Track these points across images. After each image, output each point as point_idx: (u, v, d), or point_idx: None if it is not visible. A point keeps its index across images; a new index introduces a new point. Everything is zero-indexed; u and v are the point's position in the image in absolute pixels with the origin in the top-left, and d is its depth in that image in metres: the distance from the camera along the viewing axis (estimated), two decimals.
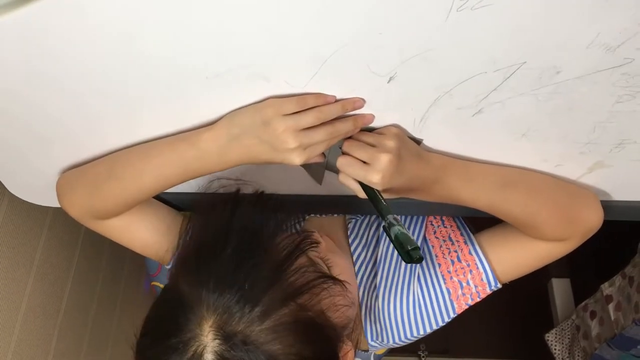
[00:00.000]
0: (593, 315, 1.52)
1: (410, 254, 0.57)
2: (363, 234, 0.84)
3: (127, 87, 0.61)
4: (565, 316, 1.75)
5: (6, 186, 0.82)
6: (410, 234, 0.60)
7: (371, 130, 0.66)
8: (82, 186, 0.72)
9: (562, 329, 1.70)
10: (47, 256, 1.04)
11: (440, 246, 0.78)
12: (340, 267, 0.68)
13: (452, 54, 0.55)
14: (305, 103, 0.60)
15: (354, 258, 0.81)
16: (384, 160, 0.60)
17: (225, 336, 0.53)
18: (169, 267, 0.79)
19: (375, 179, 0.61)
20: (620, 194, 0.74)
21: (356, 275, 0.80)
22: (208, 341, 0.54)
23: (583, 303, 1.59)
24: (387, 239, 0.80)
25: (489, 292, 0.75)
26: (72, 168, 0.75)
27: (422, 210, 0.80)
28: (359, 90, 0.61)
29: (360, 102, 0.62)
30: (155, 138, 0.69)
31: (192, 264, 0.59)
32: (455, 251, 0.76)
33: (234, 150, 0.63)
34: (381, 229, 0.82)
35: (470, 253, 0.75)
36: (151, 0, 0.51)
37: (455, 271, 0.75)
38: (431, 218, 0.82)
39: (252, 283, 0.55)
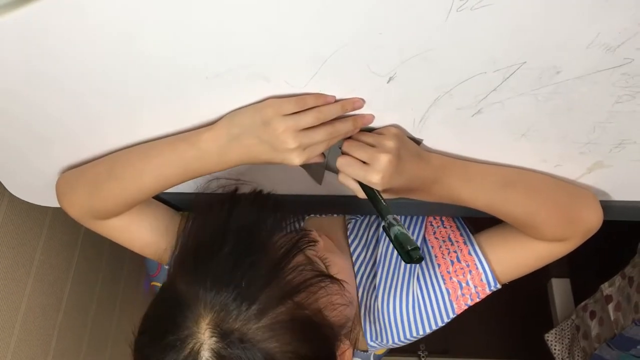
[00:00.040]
0: (593, 315, 1.52)
1: (410, 254, 0.57)
2: (362, 234, 0.84)
3: (127, 87, 0.61)
4: (565, 316, 1.75)
5: (6, 186, 0.82)
6: (410, 234, 0.60)
7: (371, 130, 0.66)
8: (82, 186, 0.72)
9: (562, 329, 1.70)
10: (47, 256, 1.04)
11: (440, 246, 0.78)
12: (338, 266, 0.68)
13: (452, 54, 0.55)
14: (305, 103, 0.60)
15: (354, 258, 0.81)
16: (383, 160, 0.60)
17: (222, 334, 0.54)
18: (168, 267, 0.79)
19: (375, 179, 0.61)
20: (620, 194, 0.74)
21: (355, 275, 0.80)
22: (205, 339, 0.54)
23: (583, 303, 1.60)
24: (387, 239, 0.80)
25: (488, 292, 0.75)
26: (72, 168, 0.75)
27: (421, 210, 0.80)
28: (359, 90, 0.61)
29: (360, 102, 0.62)
30: (155, 138, 0.69)
31: (189, 263, 0.59)
32: (455, 251, 0.76)
33: (234, 150, 0.63)
34: (381, 229, 0.82)
35: (469, 253, 0.75)
36: (151, 0, 0.51)
37: (455, 271, 0.75)
38: (430, 218, 0.82)
39: (249, 281, 0.55)
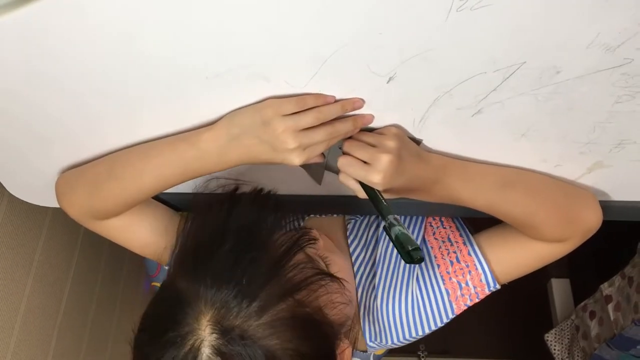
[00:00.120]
0: (592, 315, 1.52)
1: (411, 255, 0.57)
2: (362, 234, 0.84)
3: (127, 87, 0.61)
4: (564, 316, 1.75)
5: (5, 186, 0.82)
6: (410, 234, 0.60)
7: (371, 130, 0.66)
8: (82, 186, 0.72)
9: (562, 329, 1.70)
10: (47, 257, 1.04)
11: (440, 247, 0.78)
12: (338, 265, 0.68)
13: (451, 54, 0.55)
14: (304, 103, 0.60)
15: (353, 258, 0.81)
16: (384, 160, 0.60)
17: (223, 330, 0.54)
18: (167, 267, 0.79)
19: (376, 179, 0.61)
20: (620, 194, 0.74)
21: (355, 275, 0.80)
22: (205, 335, 0.54)
23: (582, 303, 1.60)
24: (387, 239, 0.80)
25: (487, 292, 0.75)
26: (72, 168, 0.75)
27: (421, 210, 0.80)
28: (359, 90, 0.61)
29: (360, 103, 0.62)
30: (155, 138, 0.69)
31: (189, 261, 0.59)
32: (454, 252, 0.76)
33: (234, 151, 0.63)
34: (381, 229, 0.82)
35: (469, 254, 0.75)
36: (151, 0, 0.51)
37: (454, 272, 0.75)
38: (430, 219, 0.82)
39: (250, 278, 0.55)
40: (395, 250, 0.79)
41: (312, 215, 0.87)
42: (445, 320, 0.76)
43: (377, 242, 0.81)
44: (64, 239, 1.11)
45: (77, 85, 0.61)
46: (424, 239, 0.80)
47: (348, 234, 0.84)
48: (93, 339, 1.23)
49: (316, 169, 0.70)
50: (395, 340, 0.78)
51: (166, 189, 0.69)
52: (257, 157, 0.63)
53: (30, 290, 0.99)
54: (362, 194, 0.64)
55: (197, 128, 0.66)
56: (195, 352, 0.54)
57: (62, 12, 0.52)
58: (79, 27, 0.53)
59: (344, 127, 0.63)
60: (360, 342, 0.80)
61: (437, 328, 0.76)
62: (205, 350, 0.54)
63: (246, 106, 0.62)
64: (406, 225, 0.82)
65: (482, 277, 0.74)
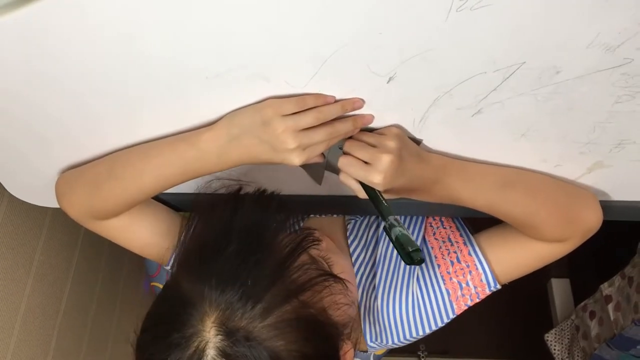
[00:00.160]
0: (592, 315, 1.52)
1: (412, 256, 0.57)
2: (362, 234, 0.84)
3: (127, 87, 0.61)
4: (564, 316, 1.75)
5: (5, 187, 0.82)
6: (411, 235, 0.60)
7: (371, 130, 0.66)
8: (82, 186, 0.72)
9: (562, 329, 1.70)
10: (47, 257, 1.04)
11: (440, 247, 0.78)
12: (340, 266, 0.68)
13: (451, 54, 0.55)
14: (304, 103, 0.60)
15: (353, 259, 0.81)
16: (385, 160, 0.60)
17: (228, 332, 0.54)
18: (168, 267, 0.79)
19: (376, 179, 0.61)
20: (620, 194, 0.74)
21: (355, 275, 0.80)
22: (210, 337, 0.54)
23: (582, 303, 1.60)
24: (387, 239, 0.80)
25: (488, 292, 0.75)
26: (72, 168, 0.75)
27: (421, 210, 0.80)
28: (359, 90, 0.61)
29: (360, 103, 0.62)
30: (155, 138, 0.69)
31: (194, 262, 0.59)
32: (455, 252, 0.76)
33: (234, 151, 0.63)
34: (381, 229, 0.82)
35: (469, 254, 0.75)
36: (151, 1, 0.51)
37: (455, 272, 0.75)
38: (430, 219, 0.82)
39: (255, 280, 0.55)
40: (395, 251, 0.79)
41: (312, 216, 0.87)
42: (445, 320, 0.76)
43: (377, 243, 0.81)
44: (64, 239, 1.11)
45: (77, 85, 0.61)
46: (424, 239, 0.80)
47: (348, 234, 0.84)
48: (93, 338, 1.23)
49: (316, 169, 0.70)
50: (395, 341, 0.78)
51: (166, 189, 0.69)
52: (257, 157, 0.63)
53: (31, 290, 0.99)
54: (362, 194, 0.64)
55: (197, 128, 0.66)
56: (200, 353, 0.54)
57: (62, 12, 0.52)
58: (79, 27, 0.53)
59: (344, 127, 0.63)
60: (360, 343, 0.80)
61: (437, 328, 0.76)
62: (210, 352, 0.53)
63: (246, 106, 0.62)
64: (406, 225, 0.82)
65: (483, 277, 0.74)
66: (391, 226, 0.60)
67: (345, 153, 0.64)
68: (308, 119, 0.60)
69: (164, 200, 0.80)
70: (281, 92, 0.61)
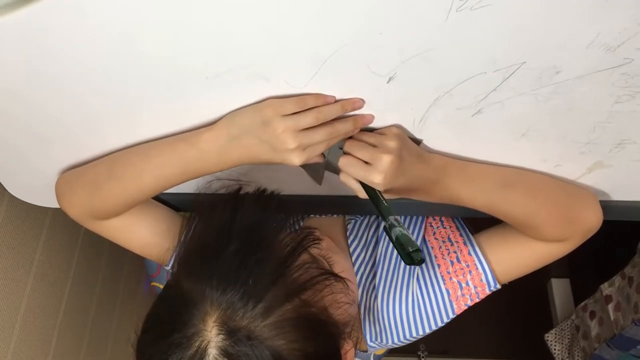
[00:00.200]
0: (593, 315, 1.52)
1: (412, 256, 0.57)
2: (362, 234, 0.84)
3: (127, 87, 0.61)
4: (564, 316, 1.75)
5: (5, 187, 0.82)
6: (411, 235, 0.60)
7: (372, 130, 0.66)
8: (82, 186, 0.72)
9: (562, 329, 1.70)
10: (47, 257, 1.04)
11: (440, 247, 0.78)
12: (341, 265, 0.68)
13: (451, 54, 0.55)
14: (304, 103, 0.60)
15: (353, 258, 0.81)
16: (385, 160, 0.60)
17: (229, 331, 0.54)
18: (168, 267, 0.79)
19: (376, 179, 0.61)
20: (620, 194, 0.74)
21: (355, 275, 0.80)
22: (212, 336, 0.54)
23: (583, 303, 1.60)
24: (387, 239, 0.80)
25: (488, 292, 0.75)
26: (72, 168, 0.75)
27: (421, 210, 0.80)
28: (359, 90, 0.61)
29: (360, 103, 0.62)
30: (155, 138, 0.69)
31: (195, 262, 0.59)
32: (455, 252, 0.76)
33: (234, 151, 0.63)
34: (380, 229, 0.82)
35: (469, 254, 0.75)
36: (151, 0, 0.51)
37: (455, 272, 0.75)
38: (430, 219, 0.82)
39: (256, 279, 0.55)
40: (395, 251, 0.79)
41: (312, 216, 0.87)
42: (445, 320, 0.76)
43: (377, 243, 0.81)
44: (65, 239, 1.11)
45: (77, 85, 0.61)
46: (424, 239, 0.80)
47: (348, 234, 0.84)
48: (93, 338, 1.23)
49: (316, 169, 0.70)
50: (395, 340, 0.78)
51: (166, 189, 0.69)
52: (257, 157, 0.63)
53: (31, 290, 0.99)
54: (362, 194, 0.64)
55: (197, 128, 0.66)
56: (202, 353, 0.54)
57: (62, 12, 0.52)
58: (79, 27, 0.53)
59: (344, 127, 0.63)
60: (361, 342, 0.80)
61: (437, 328, 0.76)
62: (212, 351, 0.53)
63: (246, 106, 0.62)
64: (406, 225, 0.82)
65: (483, 276, 0.74)
66: (391, 226, 0.60)
67: (345, 153, 0.64)
68: (308, 119, 0.60)
69: (164, 200, 0.80)
70: (281, 92, 0.61)
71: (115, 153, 0.71)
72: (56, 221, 1.06)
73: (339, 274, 0.62)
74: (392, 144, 0.61)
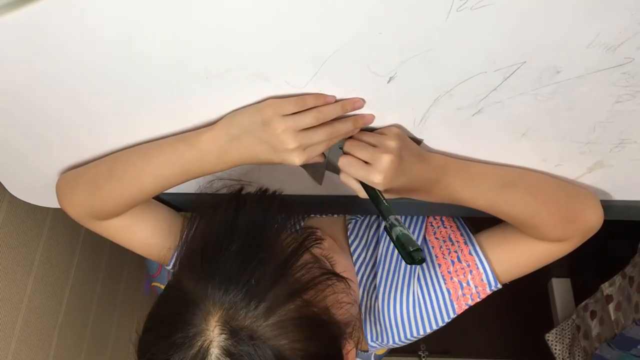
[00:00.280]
0: (593, 315, 1.52)
1: (412, 255, 0.57)
2: (363, 234, 0.84)
3: (127, 87, 0.61)
4: (565, 316, 1.75)
5: (6, 187, 0.82)
6: (412, 235, 0.60)
7: (372, 130, 0.66)
8: (82, 186, 0.72)
9: (563, 328, 1.70)
10: (47, 257, 1.04)
11: (440, 247, 0.78)
12: (342, 265, 0.69)
13: (452, 54, 0.55)
14: (304, 103, 0.60)
15: (354, 258, 0.81)
16: (385, 160, 0.60)
17: (232, 331, 0.54)
18: (169, 267, 0.79)
19: (376, 179, 0.61)
20: (620, 193, 0.74)
21: (356, 275, 0.80)
22: (214, 336, 0.54)
23: (583, 303, 1.60)
24: (387, 239, 0.80)
25: (489, 292, 0.75)
26: (72, 168, 0.75)
27: (422, 210, 0.80)
28: (359, 90, 0.61)
29: (360, 102, 0.62)
30: (156, 138, 0.69)
31: (197, 262, 0.59)
32: (456, 251, 0.76)
33: (234, 151, 0.63)
34: (381, 229, 0.82)
35: (470, 253, 0.75)
36: (151, 1, 0.51)
37: (456, 271, 0.75)
38: (431, 219, 0.82)
39: (258, 279, 0.55)
40: (396, 250, 0.79)
41: (312, 216, 0.87)
42: (446, 320, 0.76)
43: (377, 242, 0.81)
44: (65, 239, 1.11)
45: (77, 85, 0.61)
46: (424, 239, 0.80)
47: (349, 234, 0.84)
48: (94, 338, 1.23)
49: (316, 169, 0.70)
50: (396, 340, 0.78)
51: (167, 189, 0.69)
52: (257, 157, 0.63)
53: (31, 290, 0.99)
54: (363, 194, 0.64)
55: (198, 128, 0.66)
56: (204, 352, 0.54)
57: (62, 12, 0.52)
58: (79, 27, 0.53)
59: (344, 127, 0.63)
60: (361, 342, 0.80)
61: (438, 328, 0.76)
62: (214, 351, 0.53)
63: (246, 106, 0.62)
64: (407, 224, 0.82)
65: (483, 276, 0.74)
66: (392, 226, 0.60)
67: (345, 153, 0.64)
68: (308, 119, 0.60)
69: (165, 200, 0.80)
70: (281, 92, 0.61)
71: (115, 153, 0.71)
72: (57, 221, 1.06)
73: (340, 274, 0.62)
74: (392, 143, 0.61)
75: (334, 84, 0.60)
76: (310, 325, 0.57)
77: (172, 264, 0.78)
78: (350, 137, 0.65)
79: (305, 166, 0.70)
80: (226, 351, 0.53)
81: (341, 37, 0.54)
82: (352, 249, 0.82)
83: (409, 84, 0.59)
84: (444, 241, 0.78)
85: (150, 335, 0.59)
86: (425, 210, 0.80)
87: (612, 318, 1.39)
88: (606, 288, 1.45)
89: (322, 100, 0.61)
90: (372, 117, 0.64)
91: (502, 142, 0.67)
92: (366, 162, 0.62)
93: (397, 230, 0.59)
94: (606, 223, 0.72)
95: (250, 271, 0.56)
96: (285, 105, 0.59)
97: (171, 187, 0.69)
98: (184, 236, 0.72)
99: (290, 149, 0.60)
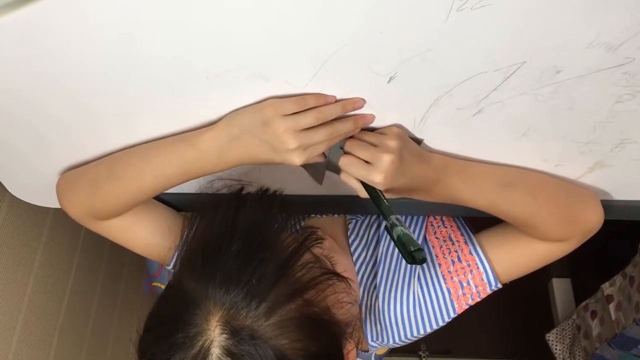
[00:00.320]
0: (594, 315, 1.52)
1: (413, 255, 0.57)
2: (363, 234, 0.84)
3: (127, 87, 0.61)
4: (566, 316, 1.75)
5: (6, 187, 0.82)
6: (412, 234, 0.60)
7: (372, 130, 0.66)
8: (83, 186, 0.72)
9: (563, 328, 1.70)
10: (48, 257, 1.04)
11: (441, 246, 0.78)
12: (343, 265, 0.68)
13: (452, 53, 0.55)
14: (305, 103, 0.60)
15: (354, 258, 0.81)
16: (386, 160, 0.60)
17: (233, 331, 0.53)
18: (170, 267, 0.79)
19: (377, 178, 0.61)
20: (621, 193, 0.74)
21: (356, 275, 0.80)
22: (215, 336, 0.54)
23: (584, 303, 1.59)
24: (388, 239, 0.80)
25: (489, 292, 0.75)
26: (72, 168, 0.75)
27: (422, 210, 0.80)
28: (359, 90, 0.61)
29: (361, 102, 0.62)
30: (156, 138, 0.69)
31: (197, 262, 0.59)
32: (456, 251, 0.76)
33: (234, 151, 0.63)
34: (382, 229, 0.82)
35: (470, 253, 0.75)
36: (151, 1, 0.50)
37: (456, 271, 0.75)
38: (431, 218, 0.82)
39: (259, 279, 0.55)
40: (396, 250, 0.79)
41: (313, 215, 0.87)
42: (446, 320, 0.76)
43: (378, 242, 0.81)
44: (66, 239, 1.11)
45: (77, 85, 0.61)
46: (425, 238, 0.80)
47: (349, 234, 0.84)
48: (94, 338, 1.23)
49: (317, 169, 0.70)
50: (396, 340, 0.78)
51: (167, 189, 0.69)
52: (257, 157, 0.63)
53: (32, 290, 0.99)
54: (363, 194, 0.64)
55: (198, 128, 0.66)
56: (205, 352, 0.54)
57: (62, 12, 0.52)
58: (79, 27, 0.53)
59: (344, 127, 0.63)
60: (362, 342, 0.80)
61: (438, 327, 0.76)
62: (215, 351, 0.53)
63: (246, 106, 0.62)
64: (407, 224, 0.82)
65: (484, 276, 0.74)
66: (393, 225, 0.60)
67: (346, 152, 0.64)
68: (308, 119, 0.60)
69: (165, 200, 0.80)
70: (281, 92, 0.61)
71: (115, 153, 0.71)
72: (57, 221, 1.06)
73: (341, 274, 0.62)
74: (392, 143, 0.61)
75: (334, 84, 0.60)
76: (311, 325, 0.57)
77: (172, 264, 0.78)
78: (351, 137, 0.65)
79: (305, 166, 0.70)
80: (227, 351, 0.53)
81: (341, 37, 0.54)
82: (352, 248, 0.82)
83: (409, 84, 0.59)
84: (444, 241, 0.78)
85: (151, 335, 0.59)
86: (425, 210, 0.80)
87: (613, 318, 1.39)
88: (607, 288, 1.45)
89: (323, 100, 0.61)
90: (373, 117, 0.64)
91: (503, 142, 0.67)
92: (367, 162, 0.62)
93: (398, 229, 0.59)
94: (606, 223, 0.72)
95: (251, 271, 0.56)
96: (286, 105, 0.59)
97: (171, 187, 0.69)
98: (184, 236, 0.72)
99: (290, 149, 0.60)
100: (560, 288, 1.89)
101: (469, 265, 0.74)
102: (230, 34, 0.54)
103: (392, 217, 0.61)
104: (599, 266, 1.67)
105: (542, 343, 1.74)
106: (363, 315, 0.79)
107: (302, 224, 0.85)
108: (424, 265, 0.76)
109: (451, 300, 0.75)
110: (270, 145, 0.61)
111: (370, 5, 0.50)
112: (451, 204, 0.70)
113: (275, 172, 0.71)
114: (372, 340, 0.79)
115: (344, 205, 0.80)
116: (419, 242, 0.79)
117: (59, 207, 0.77)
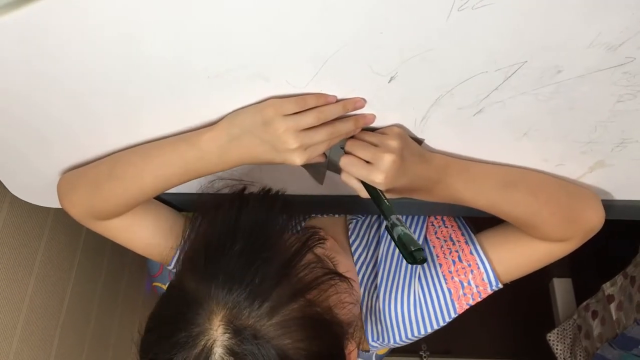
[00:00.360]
0: (595, 315, 1.52)
1: (414, 255, 0.57)
2: (364, 234, 0.84)
3: (127, 87, 0.61)
4: (566, 316, 1.75)
5: (7, 187, 0.82)
6: (413, 234, 0.60)
7: (373, 130, 0.66)
8: (83, 186, 0.72)
9: (564, 328, 1.70)
10: (49, 257, 1.04)
11: (441, 246, 0.78)
12: (344, 265, 0.68)
13: (453, 53, 0.55)
14: (305, 103, 0.60)
15: (355, 258, 0.81)
16: (387, 160, 0.60)
17: (235, 330, 0.54)
18: (171, 267, 0.79)
19: (378, 178, 0.61)
20: (622, 193, 0.74)
21: (357, 275, 0.80)
22: (218, 335, 0.54)
23: (585, 303, 1.59)
24: (388, 239, 0.80)
25: (490, 292, 0.75)
26: (73, 168, 0.75)
27: (423, 210, 0.79)
28: (360, 90, 0.61)
29: (361, 102, 0.62)
30: (156, 138, 0.69)
31: (200, 261, 0.59)
32: (457, 251, 0.76)
33: (235, 151, 0.63)
34: (382, 229, 0.82)
35: (471, 253, 0.75)
36: (151, 1, 0.50)
37: (457, 271, 0.75)
38: (432, 218, 0.82)
39: (262, 278, 0.55)
40: (397, 250, 0.79)
41: (313, 216, 0.87)
42: (447, 320, 0.76)
43: (378, 242, 0.81)
44: (66, 239, 1.11)
45: (77, 85, 0.61)
46: (425, 238, 0.80)
47: (350, 234, 0.84)
48: (95, 338, 1.23)
49: (318, 169, 0.70)
50: (397, 340, 0.78)
51: (167, 189, 0.69)
52: (258, 157, 0.63)
53: (33, 290, 0.99)
54: (364, 194, 0.64)
55: (198, 128, 0.66)
56: (207, 352, 0.54)
57: (62, 12, 0.52)
58: (79, 27, 0.53)
59: (345, 127, 0.63)
60: (363, 342, 0.80)
61: (439, 327, 0.76)
62: (218, 350, 0.53)
63: (247, 106, 0.62)
64: (408, 224, 0.82)
65: (484, 276, 0.74)
66: (393, 225, 0.60)
67: (346, 152, 0.64)
68: (309, 119, 0.60)
69: (166, 200, 0.80)
70: (282, 92, 0.61)
71: (116, 153, 0.71)
72: (58, 221, 1.06)
73: (343, 274, 0.62)
74: (393, 143, 0.61)
75: (334, 84, 0.60)
76: (313, 325, 0.57)
77: (173, 264, 0.78)
78: (352, 137, 0.65)
79: (306, 166, 0.69)
80: (230, 350, 0.53)
81: (342, 37, 0.54)
82: (353, 249, 0.82)
83: (409, 84, 0.59)
84: (445, 241, 0.78)
85: (153, 335, 0.59)
86: (426, 210, 0.79)
87: (614, 318, 1.39)
88: (607, 288, 1.44)
89: (323, 100, 0.61)
90: (373, 116, 0.64)
91: (503, 142, 0.67)
92: (367, 162, 0.62)
93: (399, 229, 0.59)
94: (607, 223, 0.71)
95: (254, 271, 0.56)
96: (286, 105, 0.59)
97: (172, 187, 0.69)
98: (185, 236, 0.72)
99: (291, 149, 0.60)
100: (561, 288, 1.89)
101: (469, 265, 0.74)
102: (231, 34, 0.54)
103: (393, 217, 0.61)
104: (600, 266, 1.67)
105: (543, 343, 1.73)
106: (364, 316, 0.79)
107: (304, 224, 0.85)
108: (425, 265, 0.76)
109: (452, 300, 0.75)
110: (271, 145, 0.61)
111: (371, 5, 0.50)
112: (452, 204, 0.70)
113: (276, 172, 0.71)
114: (373, 341, 0.79)
115: (345, 205, 0.80)
116: (420, 242, 0.79)
117: (60, 207, 0.77)
